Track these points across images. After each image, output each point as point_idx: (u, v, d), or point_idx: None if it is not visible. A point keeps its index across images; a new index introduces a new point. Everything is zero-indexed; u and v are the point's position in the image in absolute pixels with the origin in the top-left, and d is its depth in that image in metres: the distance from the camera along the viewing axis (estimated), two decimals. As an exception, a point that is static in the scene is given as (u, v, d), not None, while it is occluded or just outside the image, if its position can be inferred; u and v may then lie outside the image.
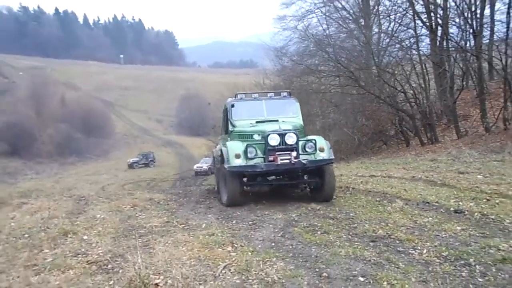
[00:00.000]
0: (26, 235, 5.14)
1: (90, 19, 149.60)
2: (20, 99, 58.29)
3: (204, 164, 34.74)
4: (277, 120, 7.24)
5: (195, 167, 36.82)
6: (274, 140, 6.37)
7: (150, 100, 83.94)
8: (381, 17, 20.37)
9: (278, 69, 26.54)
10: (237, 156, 6.37)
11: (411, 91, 17.03)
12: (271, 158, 6.32)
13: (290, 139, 6.39)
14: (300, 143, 6.56)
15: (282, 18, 24.58)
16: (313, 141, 6.71)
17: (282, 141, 6.37)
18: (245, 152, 6.39)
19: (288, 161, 6.28)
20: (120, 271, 3.78)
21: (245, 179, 6.98)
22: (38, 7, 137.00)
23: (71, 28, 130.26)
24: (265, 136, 6.45)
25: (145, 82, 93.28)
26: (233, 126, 7.57)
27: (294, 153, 6.34)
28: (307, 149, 6.62)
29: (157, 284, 3.47)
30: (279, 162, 6.26)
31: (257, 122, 7.32)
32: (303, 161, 6.27)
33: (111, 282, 3.55)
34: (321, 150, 6.63)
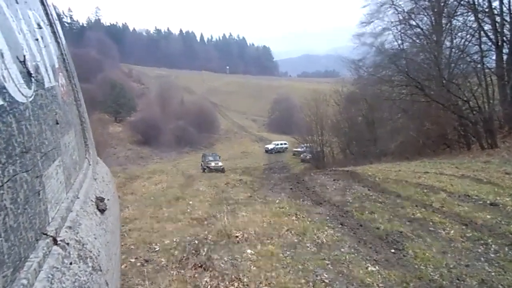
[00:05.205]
0: (152, 198, 6.09)
1: (205, 37, 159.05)
2: (151, 100, 64.71)
3: (308, 155, 37.83)
4: None
5: (301, 155, 40.16)
6: None
7: (248, 103, 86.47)
8: (452, 33, 19.15)
9: (355, 78, 26.33)
10: None
11: (475, 101, 16.02)
12: None
13: None
14: None
15: (360, 35, 24.05)
16: None
17: None
18: None
19: None
20: (212, 226, 4.45)
21: None
22: (168, 29, 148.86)
23: (190, 45, 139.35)
24: None
25: (245, 88, 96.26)
26: None
27: None
28: None
29: (236, 236, 4.07)
30: None
31: None
32: None
33: (205, 232, 4.23)
34: None
